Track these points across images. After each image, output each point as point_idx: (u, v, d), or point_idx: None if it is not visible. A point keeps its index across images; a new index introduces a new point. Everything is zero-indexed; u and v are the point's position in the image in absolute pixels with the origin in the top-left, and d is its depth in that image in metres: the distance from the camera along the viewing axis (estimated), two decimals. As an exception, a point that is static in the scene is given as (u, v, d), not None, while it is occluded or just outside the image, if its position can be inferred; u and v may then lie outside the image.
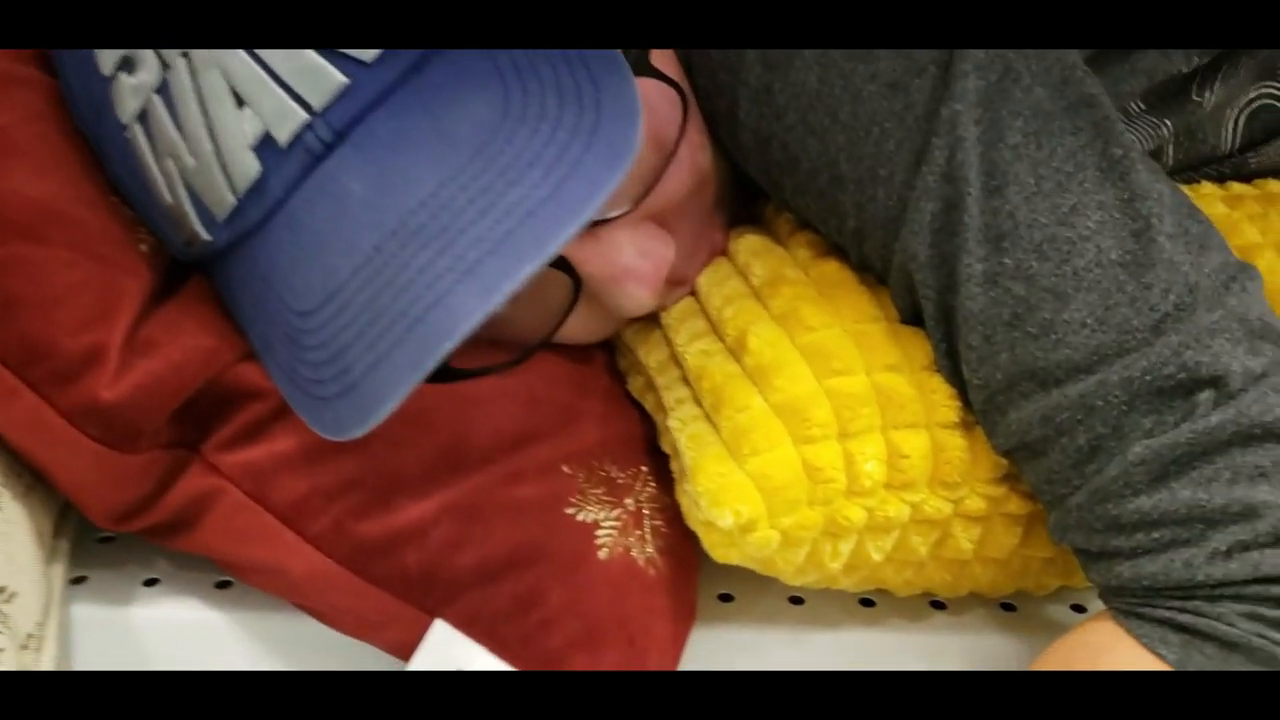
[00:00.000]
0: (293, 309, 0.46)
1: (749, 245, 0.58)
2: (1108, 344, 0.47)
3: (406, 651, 0.54)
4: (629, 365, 0.62)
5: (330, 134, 0.45)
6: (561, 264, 0.52)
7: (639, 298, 0.54)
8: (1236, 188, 0.66)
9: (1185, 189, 0.67)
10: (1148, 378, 0.46)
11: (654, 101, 0.51)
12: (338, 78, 0.45)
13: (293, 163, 0.46)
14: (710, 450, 0.50)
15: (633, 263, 0.53)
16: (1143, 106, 0.64)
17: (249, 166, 0.46)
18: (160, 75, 0.47)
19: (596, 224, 0.52)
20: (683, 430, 0.52)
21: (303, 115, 0.45)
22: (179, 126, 0.47)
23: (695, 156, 0.56)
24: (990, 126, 0.49)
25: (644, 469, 0.59)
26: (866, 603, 0.60)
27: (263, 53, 0.45)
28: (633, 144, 0.43)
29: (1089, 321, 0.47)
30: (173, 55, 0.47)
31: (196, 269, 0.55)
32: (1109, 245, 0.48)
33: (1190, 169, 0.68)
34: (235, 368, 0.52)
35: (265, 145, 0.46)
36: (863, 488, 0.50)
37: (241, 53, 0.45)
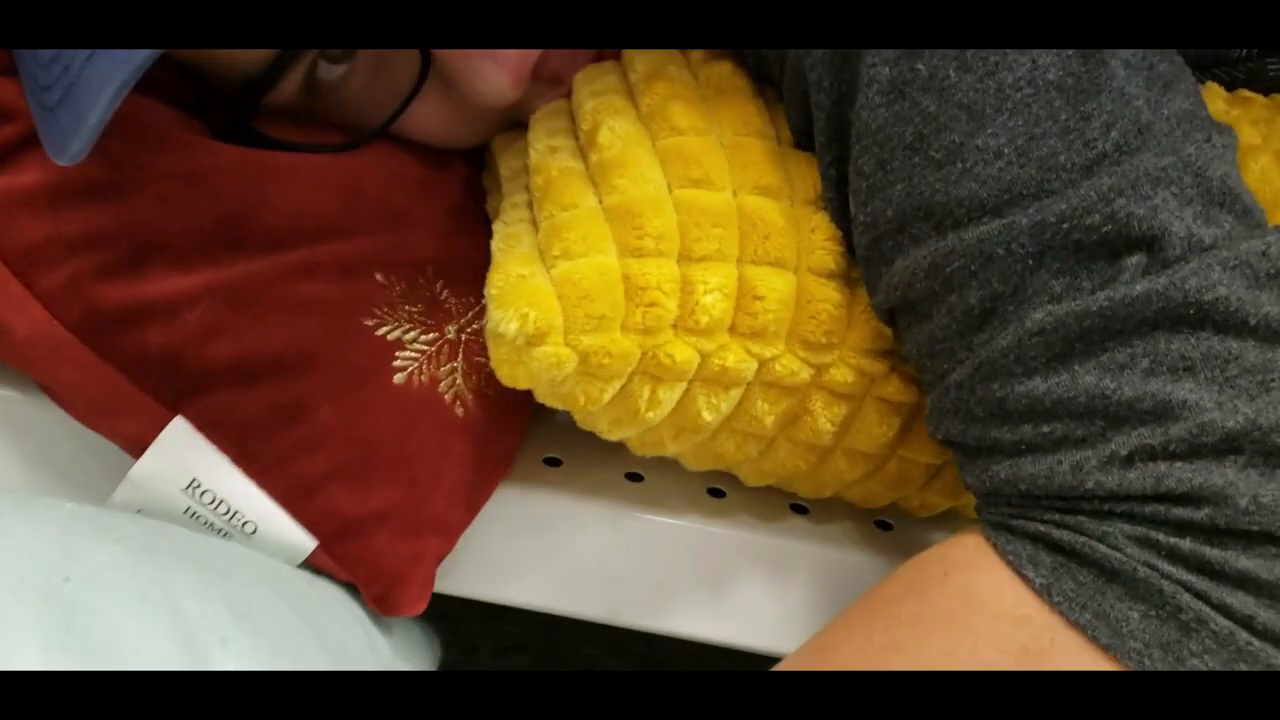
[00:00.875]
0: None
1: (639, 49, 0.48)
2: (1024, 180, 0.37)
3: (143, 451, 0.45)
4: (490, 182, 0.52)
5: None
6: None
7: (496, 82, 0.45)
8: (1246, 93, 0.55)
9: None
10: (1065, 225, 0.36)
11: None
12: None
13: None
14: (517, 251, 0.40)
15: None
16: None
17: None
18: None
19: None
20: (500, 232, 0.42)
21: None
22: None
23: None
24: None
25: (484, 302, 0.49)
26: (715, 493, 0.50)
27: None
28: None
29: (1006, 150, 0.37)
30: None
31: None
32: (1048, 61, 0.38)
33: (1197, 68, 0.58)
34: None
35: None
36: (697, 324, 0.40)
37: None
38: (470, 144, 0.53)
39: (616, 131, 0.42)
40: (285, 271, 0.46)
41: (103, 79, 0.37)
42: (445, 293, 0.49)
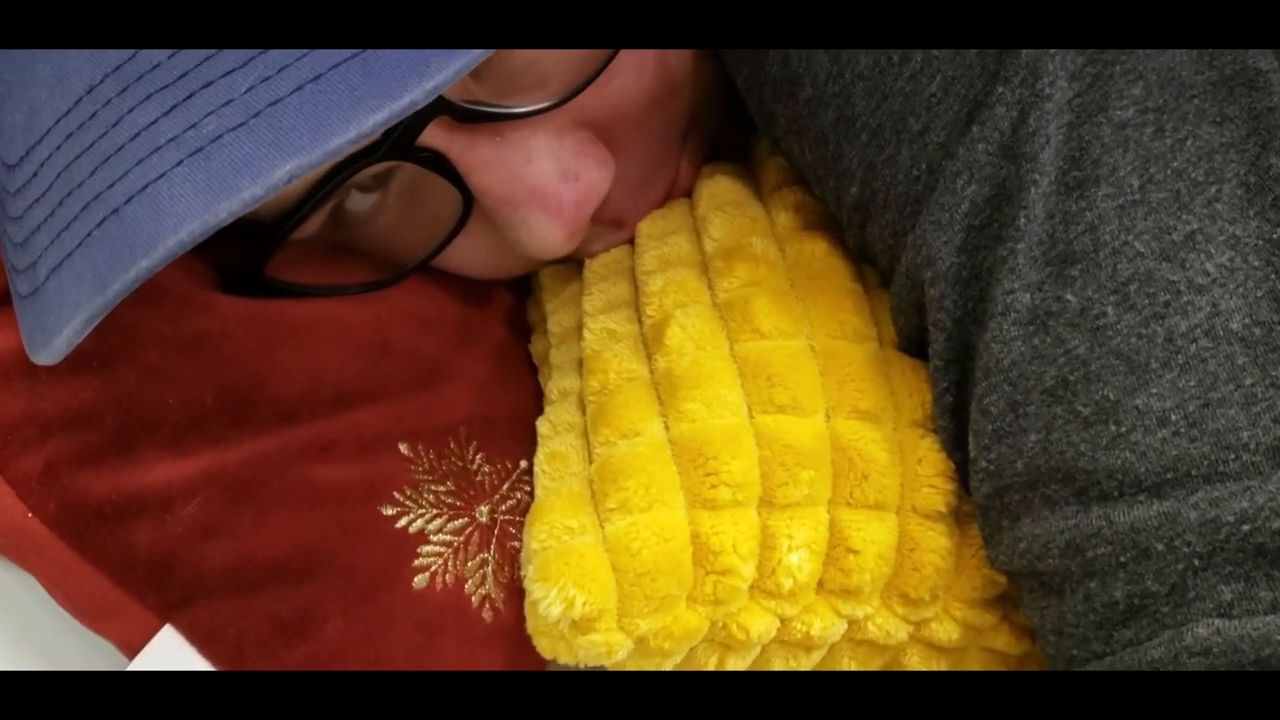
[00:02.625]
0: (3, 160, 0.34)
1: (716, 191, 0.41)
2: (1194, 458, 0.30)
3: (135, 653, 0.39)
4: (535, 317, 0.45)
5: None
6: (445, 169, 0.36)
7: (547, 234, 0.38)
8: None
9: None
10: (1244, 527, 0.29)
11: None
12: None
13: None
14: (565, 487, 0.34)
15: (545, 183, 0.37)
16: None
17: None
18: None
19: (503, 120, 0.36)
20: (547, 441, 0.36)
21: None
22: None
23: (664, 51, 0.38)
24: (1092, 87, 0.32)
25: (524, 465, 0.43)
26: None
27: None
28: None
29: (1173, 417, 0.30)
30: None
31: None
32: (1232, 307, 0.30)
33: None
34: None
35: None
36: (779, 587, 0.33)
37: None
38: (516, 275, 0.46)
39: (689, 331, 0.35)
40: (295, 452, 0.40)
41: (70, 300, 0.30)
42: (479, 458, 0.43)
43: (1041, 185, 0.32)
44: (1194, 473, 0.30)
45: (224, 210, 0.28)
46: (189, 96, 0.29)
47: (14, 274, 0.34)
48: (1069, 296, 0.31)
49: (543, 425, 0.37)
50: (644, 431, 0.34)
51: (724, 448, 0.33)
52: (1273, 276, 0.31)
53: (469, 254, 0.42)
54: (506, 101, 0.36)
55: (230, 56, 0.29)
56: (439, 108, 0.34)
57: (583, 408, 0.37)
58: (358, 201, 0.40)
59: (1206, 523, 0.29)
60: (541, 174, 0.37)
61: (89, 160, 0.30)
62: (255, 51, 0.29)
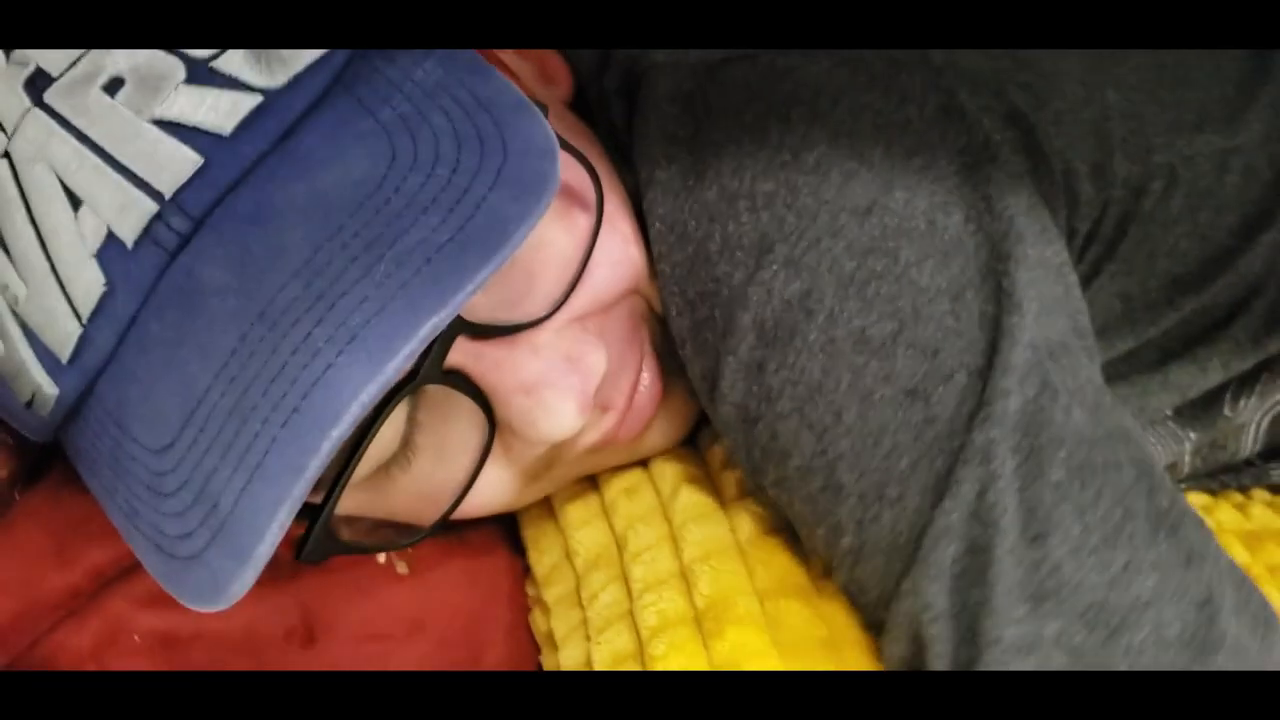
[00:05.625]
0: (149, 448, 0.38)
1: (688, 506, 0.48)
2: None
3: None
4: (534, 596, 0.52)
5: (186, 222, 0.38)
6: (463, 384, 0.42)
7: (561, 410, 0.43)
8: (1258, 508, 0.58)
9: (1203, 502, 0.58)
10: None
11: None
12: (189, 155, 0.38)
13: (143, 264, 0.38)
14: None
15: (553, 367, 0.43)
16: (1169, 415, 0.55)
17: (93, 281, 0.38)
18: None
19: (514, 331, 0.42)
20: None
21: (151, 205, 0.37)
22: (3, 246, 0.39)
23: (627, 247, 0.46)
24: (1030, 457, 0.41)
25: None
26: None
27: (94, 135, 0.38)
28: (550, 177, 0.38)
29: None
30: None
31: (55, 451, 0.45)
32: (1169, 618, 0.40)
33: (1208, 476, 0.60)
34: (45, 643, 0.42)
35: (109, 250, 0.38)
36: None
37: (71, 138, 0.38)
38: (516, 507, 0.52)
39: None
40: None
41: (264, 511, 0.36)
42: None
43: (1007, 543, 0.40)
44: None
45: (390, 369, 0.34)
46: (328, 309, 0.36)
47: (180, 541, 0.38)
48: (1048, 628, 0.39)
49: None
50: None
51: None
52: (1190, 588, 0.40)
53: (493, 486, 0.47)
54: (511, 316, 0.42)
55: (353, 268, 0.36)
56: (459, 327, 0.40)
57: None
58: (387, 447, 0.44)
59: None
60: (549, 361, 0.43)
61: (257, 390, 0.36)
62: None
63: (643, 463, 0.52)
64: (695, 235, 0.44)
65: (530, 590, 0.52)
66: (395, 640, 0.49)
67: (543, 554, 0.51)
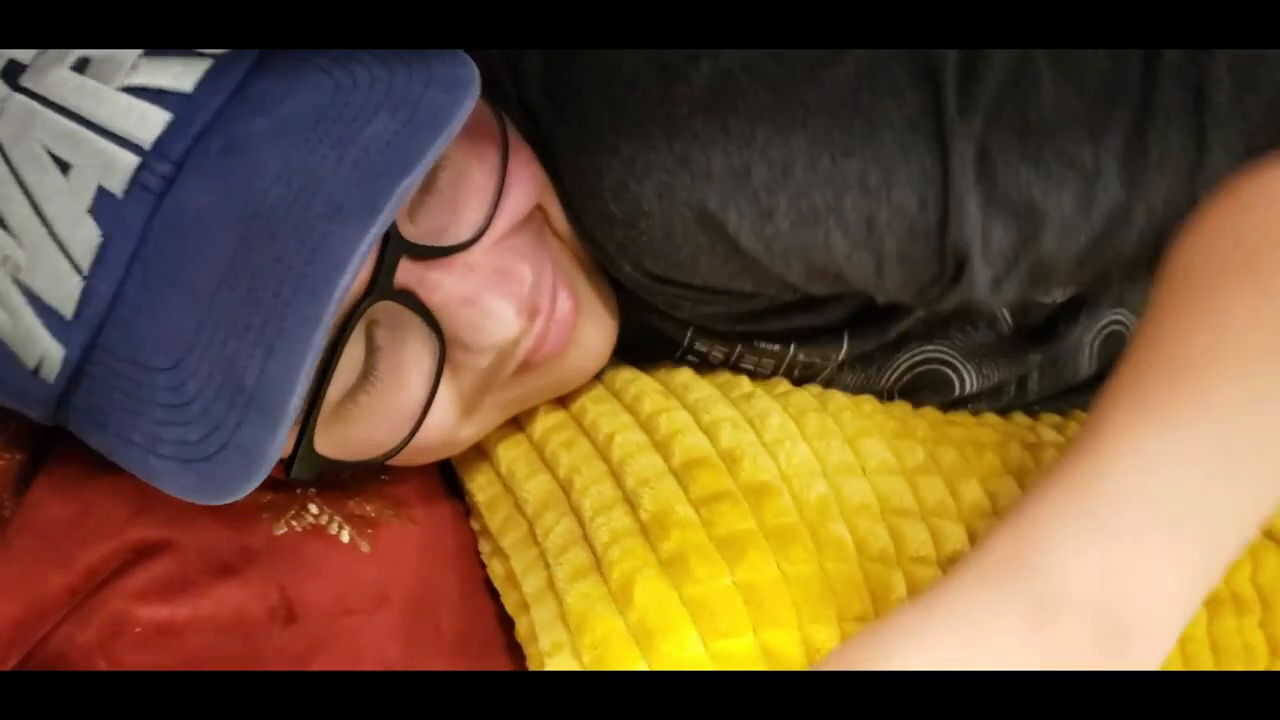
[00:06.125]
0: (165, 367, 0.43)
1: (623, 446, 0.54)
2: None
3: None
4: (490, 550, 0.57)
5: (168, 166, 0.43)
6: (411, 302, 0.48)
7: (503, 314, 0.50)
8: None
9: (1055, 421, 0.66)
10: None
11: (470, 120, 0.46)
12: (160, 113, 0.43)
13: (135, 209, 0.43)
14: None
15: (489, 278, 0.50)
16: (1011, 326, 0.64)
17: (89, 233, 0.43)
18: None
19: (448, 253, 0.49)
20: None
21: (134, 158, 0.43)
22: (0, 222, 0.43)
23: (530, 165, 0.53)
24: None
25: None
26: None
27: (73, 106, 0.43)
28: (472, 76, 0.45)
29: None
30: None
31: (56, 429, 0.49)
32: None
33: (1058, 397, 0.69)
34: (52, 640, 0.46)
35: (101, 203, 0.43)
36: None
37: (52, 113, 0.43)
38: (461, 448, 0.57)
39: (649, 588, 0.49)
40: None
41: (289, 369, 0.41)
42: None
43: None
44: None
45: (378, 226, 0.41)
46: (311, 198, 0.42)
47: (205, 441, 0.43)
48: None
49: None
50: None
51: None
52: None
53: (441, 410, 0.52)
54: (442, 242, 0.48)
55: (324, 163, 0.42)
56: (402, 247, 0.46)
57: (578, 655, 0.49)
58: (352, 370, 0.49)
59: None
60: (484, 275, 0.49)
61: (263, 279, 0.41)
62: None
63: (575, 419, 0.58)
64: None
65: (485, 546, 0.58)
66: (365, 613, 0.53)
67: (495, 512, 0.57)
